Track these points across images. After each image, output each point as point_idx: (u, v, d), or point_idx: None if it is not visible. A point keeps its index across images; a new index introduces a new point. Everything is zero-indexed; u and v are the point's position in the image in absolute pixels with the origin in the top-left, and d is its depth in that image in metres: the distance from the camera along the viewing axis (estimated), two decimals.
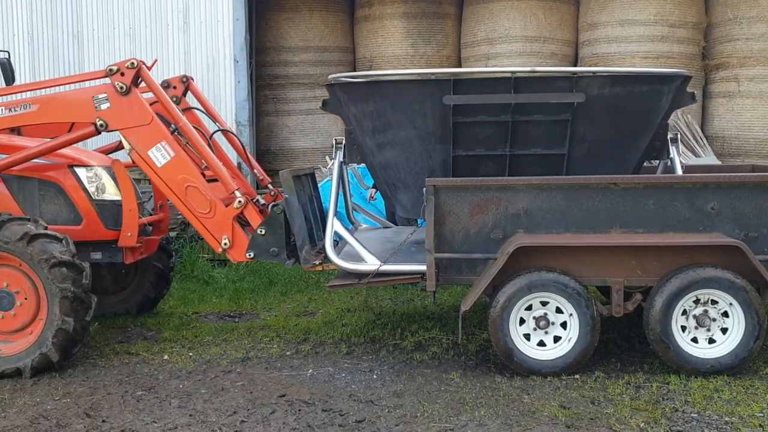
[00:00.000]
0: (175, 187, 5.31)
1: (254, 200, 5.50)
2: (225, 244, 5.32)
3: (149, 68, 5.46)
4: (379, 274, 5.12)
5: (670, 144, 5.67)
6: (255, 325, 6.32)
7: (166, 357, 5.47)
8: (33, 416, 4.39)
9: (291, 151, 10.49)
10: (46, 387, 4.89)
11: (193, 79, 6.37)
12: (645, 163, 5.91)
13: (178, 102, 6.21)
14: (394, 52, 10.36)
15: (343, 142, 5.73)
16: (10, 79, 6.85)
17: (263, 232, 5.31)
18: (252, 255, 5.34)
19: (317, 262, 5.35)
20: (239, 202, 5.29)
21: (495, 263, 4.79)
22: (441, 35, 10.42)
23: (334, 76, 5.70)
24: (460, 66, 10.45)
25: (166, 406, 4.51)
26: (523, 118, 5.11)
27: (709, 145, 9.45)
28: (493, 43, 9.99)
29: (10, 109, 5.47)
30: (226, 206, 5.33)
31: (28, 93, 5.93)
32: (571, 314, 4.80)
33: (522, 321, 4.84)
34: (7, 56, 6.88)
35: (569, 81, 5.07)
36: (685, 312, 4.77)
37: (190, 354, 5.53)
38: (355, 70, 10.67)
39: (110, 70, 5.27)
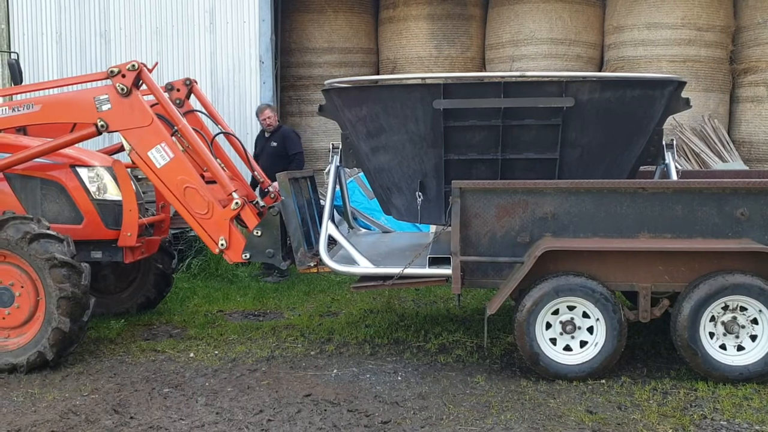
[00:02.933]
0: (174, 188, 5.36)
1: (254, 202, 5.56)
2: (222, 244, 5.38)
3: (150, 71, 5.50)
4: (402, 276, 5.13)
5: (665, 149, 5.63)
6: (279, 324, 6.35)
7: (192, 355, 5.52)
8: (62, 411, 4.44)
9: (314, 152, 10.50)
10: (74, 382, 4.95)
11: (196, 82, 6.42)
12: (641, 168, 5.84)
13: (181, 104, 6.27)
14: (418, 53, 10.34)
15: (340, 146, 5.78)
16: (18, 79, 6.96)
17: (259, 234, 5.37)
18: (248, 256, 5.40)
19: (312, 264, 5.39)
20: (236, 203, 5.34)
21: (522, 267, 4.77)
22: (465, 37, 10.38)
23: (329, 81, 5.75)
24: (484, 68, 10.42)
25: (192, 403, 4.55)
26: (514, 122, 5.09)
27: (737, 150, 9.35)
28: (518, 45, 9.94)
29: (13, 109, 5.54)
30: (224, 207, 5.38)
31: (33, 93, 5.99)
32: (597, 319, 4.77)
33: (548, 325, 4.82)
34: (16, 57, 7.00)
35: (558, 86, 5.04)
36: (713, 318, 4.73)
37: (216, 352, 5.57)
38: (378, 72, 10.69)
39: (111, 71, 5.32)
